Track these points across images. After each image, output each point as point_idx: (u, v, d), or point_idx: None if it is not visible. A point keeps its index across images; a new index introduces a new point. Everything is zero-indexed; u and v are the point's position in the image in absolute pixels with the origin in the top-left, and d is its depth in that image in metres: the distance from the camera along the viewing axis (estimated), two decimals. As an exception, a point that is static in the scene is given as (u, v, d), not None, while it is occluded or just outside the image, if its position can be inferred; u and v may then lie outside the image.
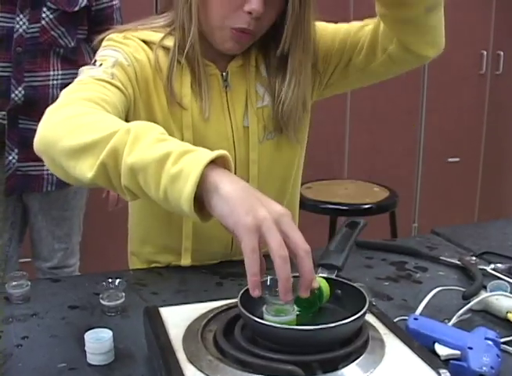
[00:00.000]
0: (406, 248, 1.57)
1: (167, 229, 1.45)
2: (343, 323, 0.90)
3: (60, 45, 2.30)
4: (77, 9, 2.29)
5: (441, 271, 1.46)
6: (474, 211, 4.50)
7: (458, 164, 4.34)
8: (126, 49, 1.32)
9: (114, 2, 2.43)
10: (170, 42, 1.35)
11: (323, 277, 1.03)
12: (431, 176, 4.29)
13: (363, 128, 3.93)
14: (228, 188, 0.92)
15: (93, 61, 1.30)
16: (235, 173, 1.01)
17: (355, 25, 1.46)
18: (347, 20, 1.44)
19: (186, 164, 0.93)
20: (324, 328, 0.89)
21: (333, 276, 1.10)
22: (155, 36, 1.36)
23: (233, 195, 0.91)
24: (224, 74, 1.40)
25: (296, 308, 0.95)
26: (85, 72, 1.25)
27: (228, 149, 1.37)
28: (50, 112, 1.12)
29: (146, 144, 0.97)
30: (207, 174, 0.92)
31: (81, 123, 1.06)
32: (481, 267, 1.43)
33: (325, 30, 1.46)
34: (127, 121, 1.25)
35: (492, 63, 4.31)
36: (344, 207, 2.75)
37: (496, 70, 4.33)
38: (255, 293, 0.89)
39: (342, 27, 1.46)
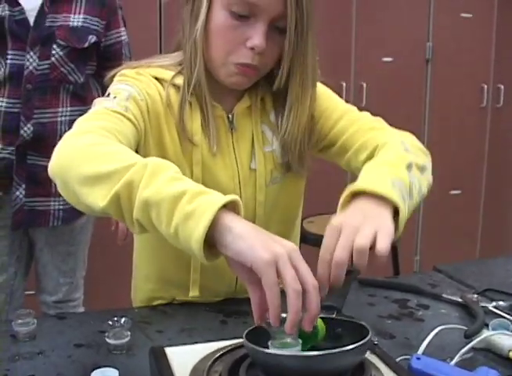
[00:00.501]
0: (408, 286, 1.58)
1: (174, 263, 1.46)
2: (345, 350, 0.91)
3: (70, 82, 2.34)
4: (86, 45, 2.33)
5: (443, 309, 1.47)
6: (476, 243, 4.50)
7: (460, 196, 4.36)
8: (139, 84, 1.33)
9: (123, 38, 2.47)
10: (180, 80, 1.37)
11: (321, 317, 1.04)
12: (433, 208, 4.30)
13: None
14: (241, 227, 0.96)
15: (107, 94, 1.31)
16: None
17: (363, 120, 1.48)
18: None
19: (201, 204, 0.96)
20: (326, 354, 0.90)
21: (333, 316, 1.11)
22: (166, 74, 1.38)
23: (248, 233, 0.95)
24: (230, 115, 1.42)
25: (300, 341, 0.96)
26: (100, 103, 1.27)
27: (234, 188, 1.40)
28: (68, 137, 1.15)
29: (162, 180, 1.00)
30: (219, 216, 0.95)
31: (98, 152, 1.09)
32: (483, 305, 1.44)
33: (329, 99, 1.50)
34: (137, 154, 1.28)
35: (493, 96, 4.35)
36: (347, 242, 2.76)
37: (497, 103, 4.36)
38: (276, 324, 0.93)
39: (350, 112, 1.49)
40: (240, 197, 1.38)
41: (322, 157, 1.54)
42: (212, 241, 0.97)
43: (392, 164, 1.28)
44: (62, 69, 2.30)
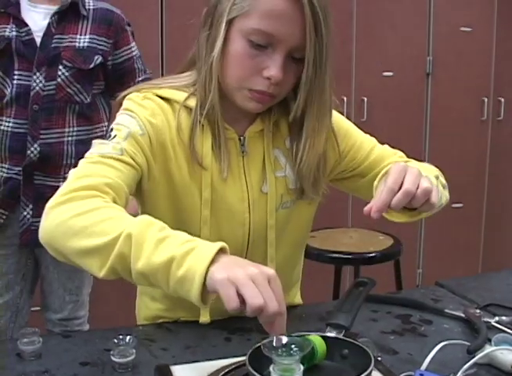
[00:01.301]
0: (411, 301, 1.59)
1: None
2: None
3: (76, 102, 2.35)
4: (92, 66, 2.34)
5: (446, 324, 1.48)
6: (478, 256, 4.50)
7: (461, 209, 4.36)
8: (142, 114, 1.33)
9: (134, 53, 2.48)
10: (192, 103, 1.37)
11: (321, 336, 1.05)
12: (435, 222, 4.30)
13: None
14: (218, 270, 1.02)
15: (110, 129, 1.33)
16: (248, 237, 1.30)
17: (384, 155, 1.56)
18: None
19: (190, 266, 1.03)
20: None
21: (341, 336, 1.11)
22: (178, 95, 1.38)
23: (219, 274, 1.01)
24: (242, 138, 1.42)
25: (302, 367, 0.97)
26: (96, 147, 1.29)
27: (243, 211, 1.41)
28: (52, 208, 1.17)
29: (149, 249, 1.06)
30: (210, 270, 1.02)
31: (83, 224, 1.12)
32: (486, 320, 1.44)
33: (355, 133, 1.56)
34: (142, 186, 1.33)
35: (493, 109, 4.36)
36: (349, 256, 2.77)
37: (498, 116, 4.38)
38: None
39: (377, 147, 1.57)
40: (250, 220, 1.41)
41: (336, 185, 1.59)
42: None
43: (423, 168, 1.39)
44: (68, 90, 2.32)
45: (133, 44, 2.49)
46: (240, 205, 1.42)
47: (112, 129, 1.32)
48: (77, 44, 2.32)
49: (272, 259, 1.46)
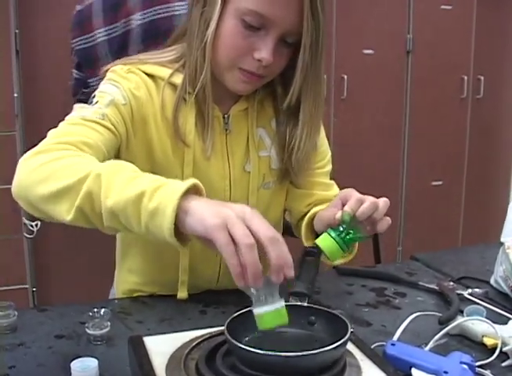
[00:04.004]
0: (386, 274, 1.60)
1: (159, 263, 1.49)
2: (326, 350, 0.93)
3: None
4: None
5: (420, 296, 1.49)
6: (458, 233, 4.53)
7: (441, 187, 4.38)
8: (126, 86, 1.33)
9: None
10: (177, 79, 1.37)
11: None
12: (415, 199, 4.33)
13: (346, 151, 3.96)
14: (196, 205, 0.98)
15: (92, 96, 1.32)
16: None
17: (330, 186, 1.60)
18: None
19: (161, 199, 0.99)
20: (307, 355, 0.92)
21: (305, 304, 1.13)
22: (163, 71, 1.38)
23: (200, 208, 0.98)
24: (226, 116, 1.42)
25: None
26: (77, 111, 1.28)
27: (224, 189, 1.42)
28: (25, 159, 1.16)
29: (119, 185, 1.03)
30: (181, 205, 0.98)
31: (52, 169, 1.11)
32: (459, 292, 1.46)
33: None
34: (119, 157, 1.31)
35: (473, 87, 4.37)
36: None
37: (477, 94, 4.39)
38: (240, 283, 0.94)
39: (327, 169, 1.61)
40: (230, 198, 1.41)
41: None
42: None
43: None
44: None
45: None
46: (221, 183, 1.42)
47: (94, 96, 1.32)
48: None
49: None
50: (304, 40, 1.27)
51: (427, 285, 1.53)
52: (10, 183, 1.17)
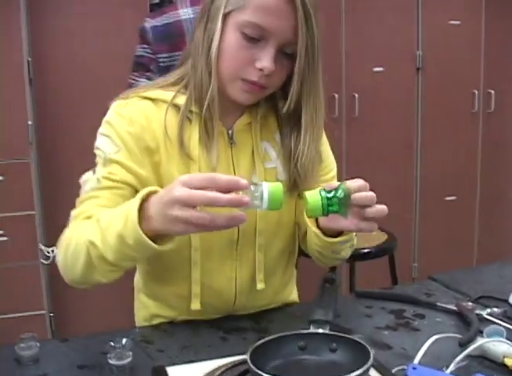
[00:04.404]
0: (404, 296, 1.60)
1: (173, 275, 1.50)
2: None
3: None
4: None
5: (439, 317, 1.49)
6: (472, 248, 4.52)
7: (454, 202, 4.38)
8: (118, 126, 1.40)
9: None
10: (180, 100, 1.42)
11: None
12: (429, 215, 4.32)
13: (359, 169, 3.95)
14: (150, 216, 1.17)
15: (94, 152, 1.42)
16: (238, 228, 1.43)
17: None
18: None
19: (130, 228, 1.18)
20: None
21: (327, 331, 1.13)
22: (165, 94, 1.43)
23: (153, 217, 1.16)
24: (230, 131, 1.46)
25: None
26: (84, 185, 1.40)
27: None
28: (59, 244, 1.36)
29: (106, 241, 1.24)
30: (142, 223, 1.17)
31: (73, 253, 1.30)
32: (478, 312, 1.46)
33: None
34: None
35: (484, 101, 4.37)
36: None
37: (488, 108, 4.39)
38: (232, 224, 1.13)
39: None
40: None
41: None
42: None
43: None
44: None
45: None
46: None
47: (95, 155, 1.41)
48: None
49: (261, 248, 1.48)
50: (299, 48, 1.33)
51: (445, 306, 1.53)
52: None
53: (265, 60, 1.33)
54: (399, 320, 1.48)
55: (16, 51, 3.22)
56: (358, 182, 1.28)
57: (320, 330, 1.13)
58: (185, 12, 2.36)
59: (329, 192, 1.24)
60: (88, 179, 1.40)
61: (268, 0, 1.31)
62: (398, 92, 4.12)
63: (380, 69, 4.02)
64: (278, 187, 1.13)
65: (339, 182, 1.27)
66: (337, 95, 3.81)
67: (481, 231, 4.52)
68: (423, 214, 4.32)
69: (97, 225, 1.26)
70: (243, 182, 1.11)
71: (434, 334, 1.29)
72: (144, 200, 1.19)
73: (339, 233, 1.39)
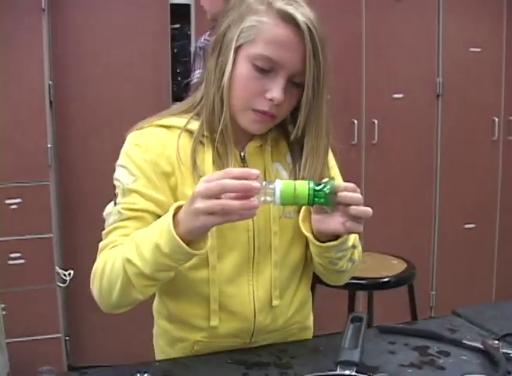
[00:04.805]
0: (428, 332, 1.57)
1: (192, 298, 1.50)
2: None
3: None
4: None
5: (464, 355, 1.46)
6: (492, 277, 4.48)
7: (474, 230, 4.35)
8: (134, 156, 1.45)
9: None
10: (193, 126, 1.47)
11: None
12: (448, 242, 4.30)
13: (378, 196, 3.95)
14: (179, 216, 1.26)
15: (113, 184, 1.47)
16: (253, 243, 1.47)
17: None
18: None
19: (164, 236, 1.27)
20: None
21: (354, 373, 1.11)
22: (178, 121, 1.48)
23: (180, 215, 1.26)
24: (242, 153, 1.50)
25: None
26: (107, 219, 1.46)
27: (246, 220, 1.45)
28: (93, 276, 1.42)
29: (143, 254, 1.30)
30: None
31: (107, 280, 1.37)
32: (505, 351, 1.43)
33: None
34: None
35: (504, 128, 4.36)
36: (363, 282, 2.75)
37: (509, 135, 4.37)
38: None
39: None
40: (253, 226, 1.48)
41: None
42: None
43: None
44: None
45: None
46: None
47: (114, 186, 1.47)
48: None
49: (277, 265, 1.50)
50: (307, 79, 1.38)
51: (471, 343, 1.50)
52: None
53: (276, 91, 1.38)
54: (424, 358, 1.45)
55: (37, 74, 3.24)
56: (347, 183, 1.32)
57: (347, 372, 1.11)
58: None
59: (317, 185, 1.28)
60: (110, 212, 1.44)
61: (279, 34, 1.36)
62: (418, 118, 4.11)
63: (400, 95, 4.02)
64: (290, 183, 1.24)
65: (328, 179, 1.31)
66: (356, 122, 3.80)
67: (500, 260, 4.48)
68: (442, 241, 4.29)
69: (132, 242, 1.33)
70: (255, 171, 1.20)
71: (461, 374, 1.26)
72: (176, 213, 1.27)
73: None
